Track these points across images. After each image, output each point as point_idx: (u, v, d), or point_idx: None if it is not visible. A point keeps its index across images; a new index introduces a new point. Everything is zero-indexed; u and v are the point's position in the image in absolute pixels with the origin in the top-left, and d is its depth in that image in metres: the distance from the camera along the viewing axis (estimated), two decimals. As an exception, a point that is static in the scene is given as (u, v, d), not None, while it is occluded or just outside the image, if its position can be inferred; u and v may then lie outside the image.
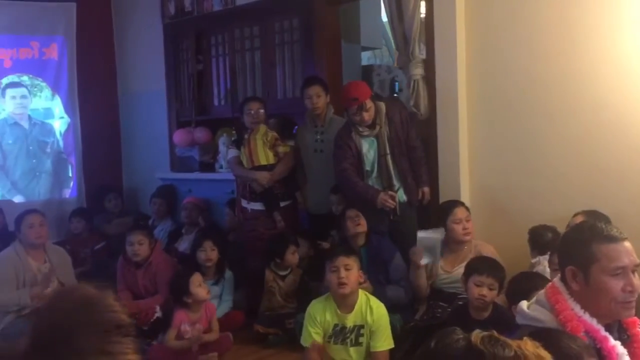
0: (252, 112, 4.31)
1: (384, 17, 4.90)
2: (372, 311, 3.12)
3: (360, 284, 3.24)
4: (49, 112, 5.80)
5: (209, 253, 4.07)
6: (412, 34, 4.01)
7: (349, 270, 3.12)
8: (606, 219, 2.89)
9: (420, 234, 3.56)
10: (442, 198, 3.93)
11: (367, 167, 3.94)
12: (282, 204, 4.32)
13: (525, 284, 2.60)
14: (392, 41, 4.23)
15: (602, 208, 3.22)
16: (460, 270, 3.31)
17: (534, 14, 3.66)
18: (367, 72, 5.42)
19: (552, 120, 3.65)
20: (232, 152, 4.44)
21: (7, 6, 5.44)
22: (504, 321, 2.57)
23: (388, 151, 3.89)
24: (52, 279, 3.96)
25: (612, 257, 1.69)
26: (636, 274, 1.72)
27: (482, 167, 3.93)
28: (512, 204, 3.82)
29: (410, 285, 3.62)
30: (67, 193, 5.88)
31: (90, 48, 5.91)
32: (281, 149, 4.33)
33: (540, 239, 3.34)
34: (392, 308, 3.33)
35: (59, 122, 5.85)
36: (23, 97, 5.60)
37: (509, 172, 3.83)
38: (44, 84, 5.74)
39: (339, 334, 3.17)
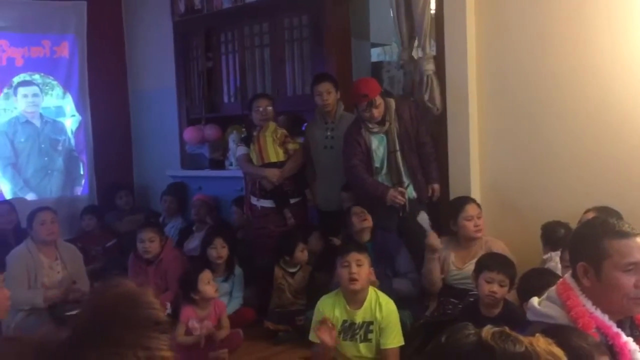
0: (261, 109, 4.31)
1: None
2: (381, 308, 3.12)
3: (370, 280, 3.24)
4: (60, 111, 5.83)
5: (220, 250, 4.08)
6: (423, 30, 3.99)
7: (360, 266, 3.12)
8: (618, 215, 2.87)
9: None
10: (453, 195, 3.91)
11: (377, 164, 3.93)
12: (292, 201, 4.32)
13: (537, 281, 2.59)
14: (397, 37, 4.20)
15: (614, 204, 3.20)
16: (471, 266, 3.30)
17: (545, 9, 3.64)
18: (376, 69, 5.40)
19: (563, 116, 3.63)
20: (241, 150, 4.45)
21: (19, 5, 5.48)
22: (514, 318, 2.55)
23: (397, 148, 3.88)
24: (66, 284, 3.99)
25: (624, 252, 1.67)
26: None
27: (493, 164, 3.92)
28: (522, 200, 3.80)
29: (425, 279, 3.61)
30: (79, 191, 5.92)
31: (100, 46, 5.94)
32: (291, 146, 4.34)
33: (552, 235, 3.33)
34: (400, 302, 3.33)
35: (70, 120, 5.88)
36: (35, 95, 5.64)
37: (519, 169, 3.81)
38: (55, 83, 5.78)
39: (348, 330, 3.17)
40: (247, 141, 4.44)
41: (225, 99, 5.55)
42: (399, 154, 3.89)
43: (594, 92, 3.51)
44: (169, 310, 3.85)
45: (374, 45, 5.57)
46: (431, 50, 4.08)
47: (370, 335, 3.14)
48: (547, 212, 3.51)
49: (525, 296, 2.45)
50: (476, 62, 3.90)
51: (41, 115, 5.70)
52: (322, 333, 3.00)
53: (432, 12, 4.06)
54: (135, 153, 6.34)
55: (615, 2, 3.41)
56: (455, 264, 3.58)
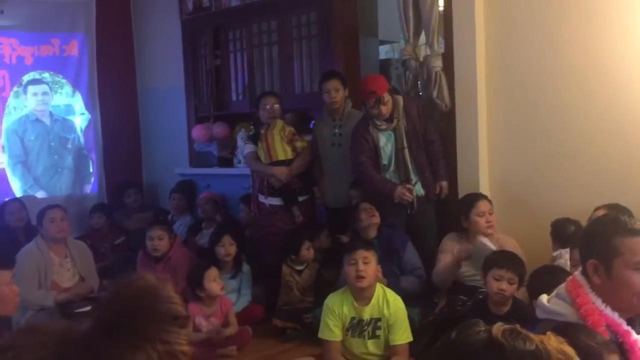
0: (268, 107, 4.31)
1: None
2: (388, 304, 3.12)
3: (378, 277, 3.24)
4: (69, 109, 5.86)
5: (228, 248, 4.09)
6: (431, 26, 3.98)
7: (368, 264, 3.12)
8: (629, 213, 2.85)
9: (482, 240, 3.40)
10: (462, 192, 3.90)
11: (385, 161, 3.93)
12: (300, 199, 4.32)
13: (547, 278, 2.58)
14: (401, 33, 4.18)
15: (624, 201, 3.17)
16: (481, 264, 3.28)
17: (554, 5, 3.61)
18: (384, 66, 5.39)
19: (572, 113, 3.61)
20: (249, 148, 4.45)
21: (29, 4, 5.50)
22: (524, 316, 2.54)
23: (405, 145, 3.88)
24: (78, 289, 4.02)
25: (636, 250, 1.66)
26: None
27: (502, 161, 3.90)
28: (532, 197, 3.78)
29: (439, 277, 3.58)
30: (88, 189, 5.95)
31: (109, 45, 5.96)
32: (299, 144, 4.33)
33: (562, 231, 3.31)
34: (408, 299, 3.33)
35: (80, 118, 5.91)
36: (44, 93, 5.67)
37: (529, 166, 3.79)
38: (64, 81, 5.80)
39: (356, 327, 3.17)
40: (254, 139, 4.45)
41: (234, 97, 5.56)
42: (406, 151, 3.88)
43: (604, 88, 3.48)
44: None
45: (382, 42, 5.56)
46: (439, 47, 4.06)
47: (378, 332, 3.14)
48: (557, 209, 3.49)
49: (535, 294, 2.44)
50: (485, 59, 3.88)
51: (51, 114, 5.73)
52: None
53: (440, 9, 4.05)
54: (144, 151, 6.37)
55: (626, -2, 3.39)
56: (466, 261, 3.55)
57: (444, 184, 3.95)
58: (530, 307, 2.68)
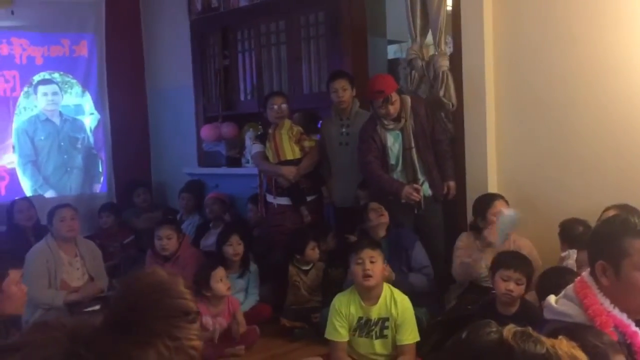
0: (276, 107, 4.32)
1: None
2: (396, 304, 3.12)
3: (385, 276, 3.23)
4: (79, 109, 5.89)
5: (236, 247, 4.09)
6: (438, 26, 3.97)
7: (374, 263, 3.12)
8: (638, 214, 2.82)
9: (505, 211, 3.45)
10: (470, 192, 3.89)
11: (392, 161, 3.92)
12: (308, 199, 4.33)
13: (556, 279, 2.56)
14: (408, 31, 4.17)
15: (634, 202, 3.14)
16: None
17: (563, 4, 3.59)
18: (393, 66, 5.38)
19: (581, 112, 3.58)
20: (256, 147, 4.46)
21: (39, 5, 5.54)
22: (532, 316, 2.53)
23: (413, 145, 3.87)
24: (89, 291, 4.04)
25: (645, 252, 1.64)
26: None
27: (510, 161, 3.88)
28: (540, 197, 3.76)
29: (460, 276, 3.55)
30: (98, 188, 5.98)
31: (119, 45, 5.98)
32: (307, 144, 4.34)
33: (571, 232, 3.29)
34: (416, 298, 3.32)
35: (89, 118, 5.94)
36: (54, 93, 5.71)
37: (537, 166, 3.77)
38: (74, 81, 5.84)
39: (364, 327, 3.17)
40: (262, 139, 4.45)
41: (242, 97, 5.57)
42: (414, 151, 3.88)
43: (614, 88, 3.46)
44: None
45: (391, 42, 5.55)
46: (447, 46, 4.05)
47: (386, 332, 3.14)
48: (566, 210, 3.47)
49: (544, 294, 2.42)
50: (493, 58, 3.86)
51: (61, 114, 5.76)
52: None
53: (448, 8, 4.04)
54: (153, 151, 6.39)
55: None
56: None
57: (452, 183, 3.94)
58: (538, 308, 2.66)
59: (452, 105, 3.97)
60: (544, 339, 0.99)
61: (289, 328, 3.87)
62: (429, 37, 4.17)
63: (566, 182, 3.65)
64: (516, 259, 3.03)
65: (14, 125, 5.53)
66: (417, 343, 3.13)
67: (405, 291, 3.23)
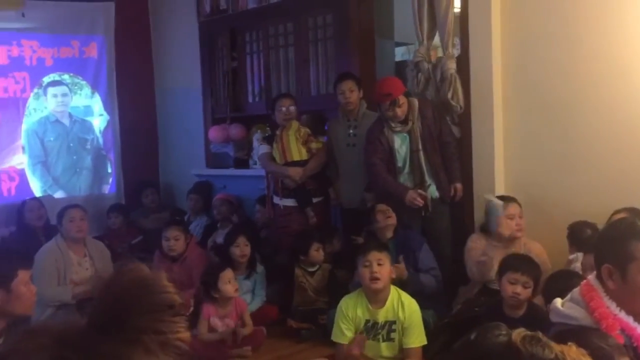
0: (284, 109, 4.33)
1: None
2: (403, 307, 3.12)
3: (392, 279, 3.23)
4: (88, 110, 5.93)
5: (243, 248, 4.10)
6: (446, 28, 3.97)
7: (381, 266, 3.12)
8: (646, 217, 2.81)
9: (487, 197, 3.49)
10: (477, 194, 3.88)
11: (399, 163, 3.92)
12: (314, 200, 4.33)
13: (563, 283, 2.56)
14: (415, 34, 4.17)
15: (642, 205, 3.14)
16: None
17: (570, 7, 3.58)
18: (401, 68, 5.38)
19: (589, 115, 3.57)
20: (263, 148, 4.47)
21: (49, 6, 5.58)
22: (538, 319, 2.52)
23: (420, 147, 3.87)
24: (94, 281, 4.06)
25: (652, 256, 1.64)
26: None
27: (518, 164, 3.87)
28: (548, 200, 3.75)
29: (475, 276, 3.55)
30: (106, 189, 6.01)
31: (128, 47, 6.02)
32: (314, 145, 4.35)
33: (579, 235, 3.28)
34: (423, 301, 3.31)
35: (99, 119, 5.98)
36: (64, 95, 5.74)
37: (545, 169, 3.77)
38: (84, 82, 5.87)
39: (371, 329, 3.17)
40: (269, 140, 4.47)
41: (250, 99, 5.59)
42: (421, 153, 3.88)
43: (621, 90, 3.44)
44: (192, 308, 3.89)
45: (398, 44, 5.55)
46: (454, 48, 4.05)
47: (393, 335, 3.14)
48: (573, 213, 3.46)
49: (550, 298, 2.42)
50: (501, 60, 3.86)
51: (70, 115, 5.80)
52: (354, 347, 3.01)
53: (456, 11, 4.04)
54: (161, 152, 6.42)
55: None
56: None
57: (459, 186, 3.94)
58: (545, 311, 2.65)
59: (460, 108, 3.97)
60: (553, 344, 0.99)
61: (296, 329, 3.87)
62: (437, 40, 4.17)
63: (574, 185, 3.64)
64: (524, 262, 3.03)
65: (24, 127, 5.57)
66: (424, 345, 3.13)
67: (415, 290, 3.23)
